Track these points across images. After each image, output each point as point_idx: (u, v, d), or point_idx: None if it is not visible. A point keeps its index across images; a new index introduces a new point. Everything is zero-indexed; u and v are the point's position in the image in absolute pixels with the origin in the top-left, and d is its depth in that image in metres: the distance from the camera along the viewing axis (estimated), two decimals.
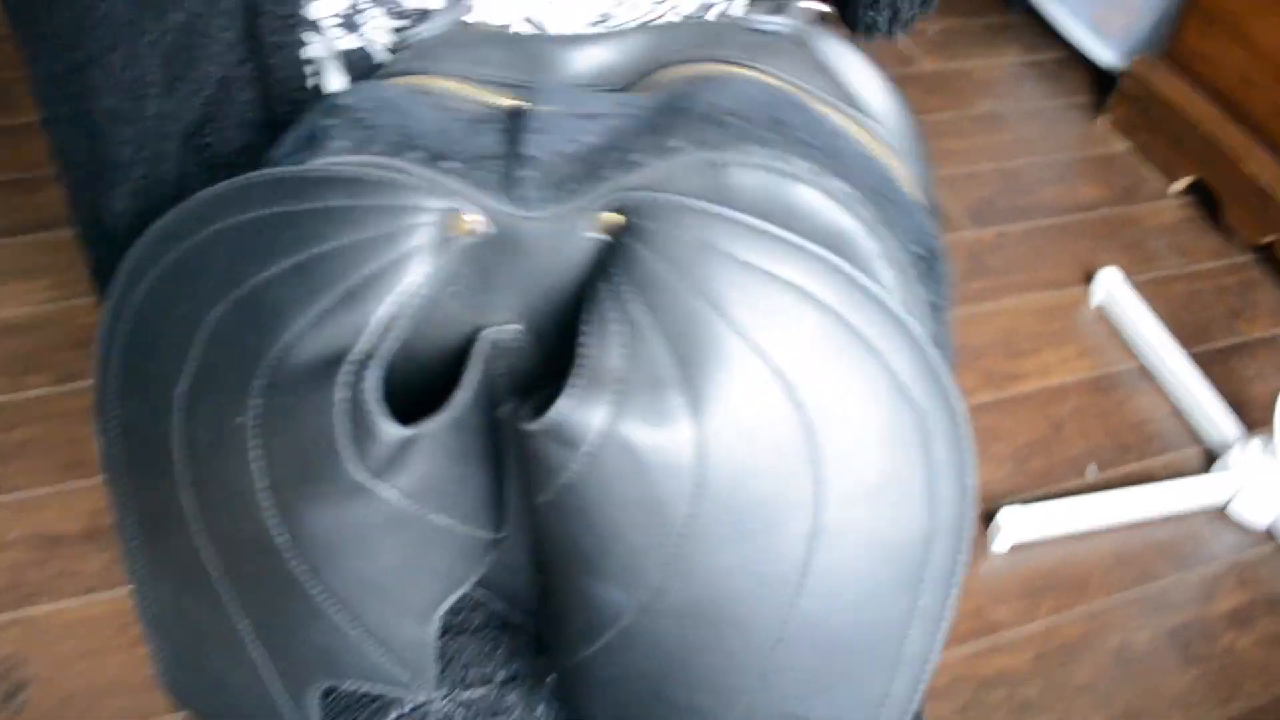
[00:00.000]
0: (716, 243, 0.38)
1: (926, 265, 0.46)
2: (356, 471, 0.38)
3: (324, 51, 0.49)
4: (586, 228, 0.39)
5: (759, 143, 0.40)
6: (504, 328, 0.41)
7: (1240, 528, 1.21)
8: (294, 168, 0.39)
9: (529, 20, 0.48)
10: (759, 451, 0.39)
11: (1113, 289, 1.44)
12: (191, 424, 0.41)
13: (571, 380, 0.37)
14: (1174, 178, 1.66)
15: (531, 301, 0.41)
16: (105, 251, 0.55)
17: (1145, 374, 1.38)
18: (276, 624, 0.44)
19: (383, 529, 0.40)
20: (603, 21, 0.49)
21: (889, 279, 0.41)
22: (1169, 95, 1.64)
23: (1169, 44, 1.65)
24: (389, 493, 0.39)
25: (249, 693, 0.46)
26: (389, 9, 0.47)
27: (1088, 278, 1.48)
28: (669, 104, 0.43)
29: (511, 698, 0.50)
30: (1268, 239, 1.51)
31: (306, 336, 0.38)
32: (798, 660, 0.42)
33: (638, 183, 0.39)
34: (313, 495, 0.39)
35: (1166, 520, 1.21)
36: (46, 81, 0.50)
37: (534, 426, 0.38)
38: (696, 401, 0.38)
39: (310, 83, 0.50)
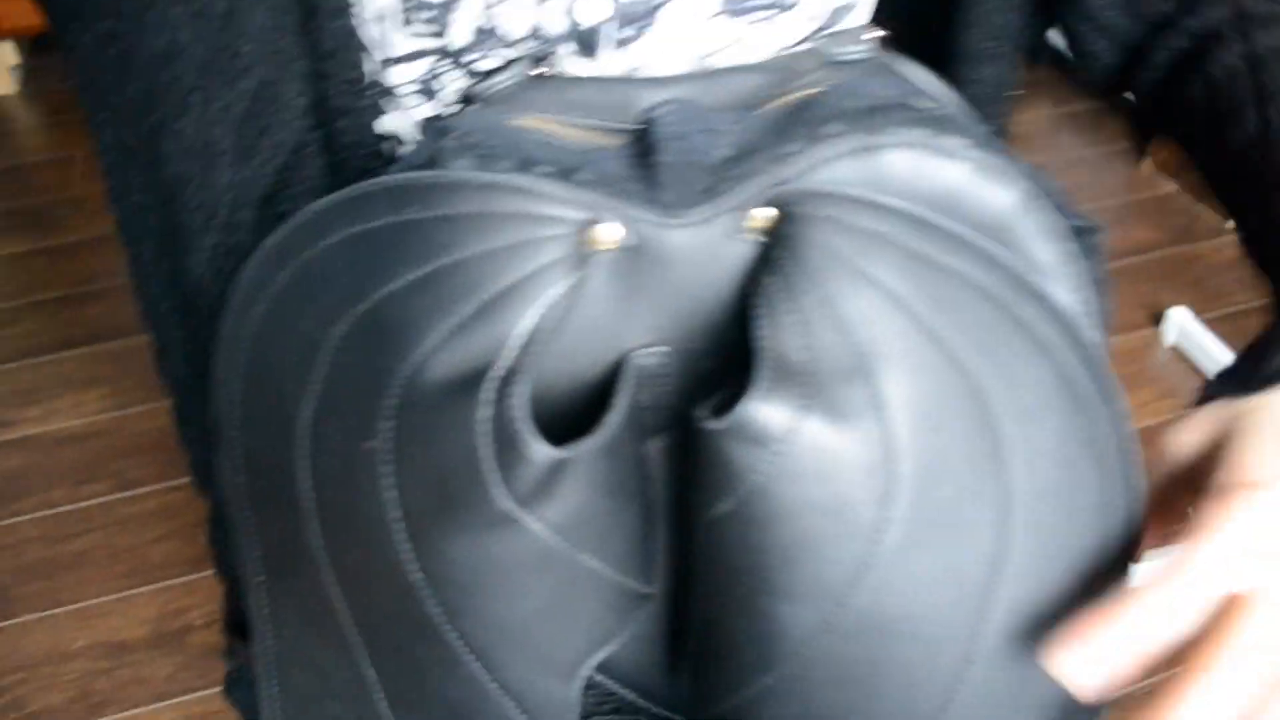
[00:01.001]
0: (882, 232, 0.35)
1: (1083, 238, 0.44)
2: (502, 499, 0.34)
3: (403, 123, 0.47)
4: (739, 230, 0.36)
5: (907, 123, 0.38)
6: (650, 350, 0.38)
7: None
8: (419, 173, 0.36)
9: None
10: (944, 447, 0.36)
11: (1185, 327, 1.40)
12: (318, 451, 0.38)
13: (756, 375, 0.34)
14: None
15: (678, 319, 0.38)
16: (179, 323, 0.53)
17: None
18: (407, 673, 0.40)
19: (528, 567, 0.36)
20: None
21: (1050, 257, 0.38)
22: None
23: None
24: (536, 525, 0.35)
25: None
26: (467, 71, 0.45)
27: (1155, 319, 1.44)
28: (796, 111, 0.40)
29: None
30: None
31: (441, 352, 0.35)
32: (986, 681, 0.38)
33: (793, 174, 0.36)
34: (452, 526, 0.35)
35: None
36: (116, 152, 0.49)
37: (719, 425, 0.34)
38: (878, 395, 0.35)
39: (386, 153, 0.48)
